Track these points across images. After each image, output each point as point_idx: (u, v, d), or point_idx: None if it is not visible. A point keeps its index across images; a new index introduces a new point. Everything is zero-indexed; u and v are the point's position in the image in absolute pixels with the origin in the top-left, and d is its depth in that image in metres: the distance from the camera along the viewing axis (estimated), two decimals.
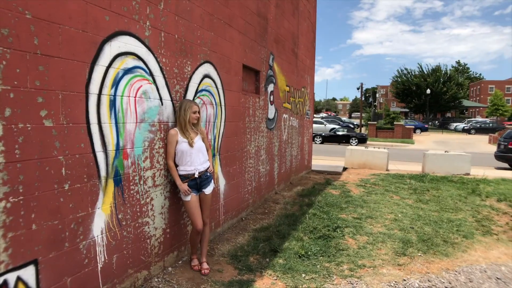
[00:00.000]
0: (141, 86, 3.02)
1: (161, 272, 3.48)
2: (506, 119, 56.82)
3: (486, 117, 59.38)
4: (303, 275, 3.61)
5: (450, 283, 3.64)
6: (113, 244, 2.81)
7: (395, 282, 3.59)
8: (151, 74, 3.14)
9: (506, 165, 14.11)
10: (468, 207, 6.62)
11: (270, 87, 6.37)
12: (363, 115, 38.80)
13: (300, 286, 3.37)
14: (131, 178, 2.97)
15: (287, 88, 7.47)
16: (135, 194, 3.03)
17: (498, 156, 14.25)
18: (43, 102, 2.17)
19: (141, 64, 3.01)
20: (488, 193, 7.71)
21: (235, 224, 5.12)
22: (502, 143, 14.23)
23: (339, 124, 32.83)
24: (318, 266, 3.83)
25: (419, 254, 4.32)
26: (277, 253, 4.09)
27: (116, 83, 2.74)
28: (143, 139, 3.09)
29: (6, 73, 1.95)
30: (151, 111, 3.17)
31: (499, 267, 4.11)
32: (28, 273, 2.12)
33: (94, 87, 2.54)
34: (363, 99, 44.79)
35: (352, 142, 23.60)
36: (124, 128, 2.84)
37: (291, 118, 7.86)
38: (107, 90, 2.66)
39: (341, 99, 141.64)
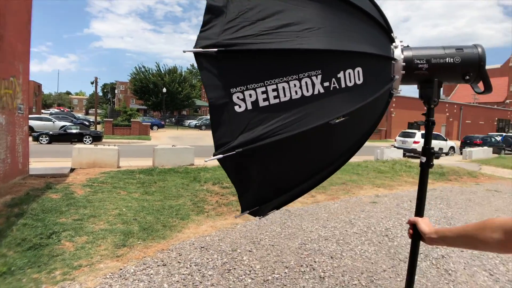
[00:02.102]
0: None
1: None
2: None
3: None
4: None
5: (162, 261, 4.04)
6: None
7: (111, 273, 3.66)
8: None
9: None
10: (189, 192, 7.53)
11: None
12: (100, 111, 37.29)
13: None
14: None
15: None
16: None
17: None
18: None
19: None
20: (206, 179, 9.03)
21: None
22: None
23: (72, 121, 30.33)
24: (24, 280, 3.40)
25: (139, 242, 4.57)
26: None
27: None
28: None
29: None
30: None
31: (205, 238, 4.89)
32: None
33: None
34: (101, 94, 43.13)
35: (86, 140, 22.27)
36: None
37: None
38: None
39: (77, 94, 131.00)
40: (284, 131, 0.98)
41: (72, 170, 9.54)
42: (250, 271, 3.92)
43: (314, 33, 1.01)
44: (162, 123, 45.43)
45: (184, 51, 0.96)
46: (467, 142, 30.00)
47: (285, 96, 0.99)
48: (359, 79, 1.05)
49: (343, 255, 4.60)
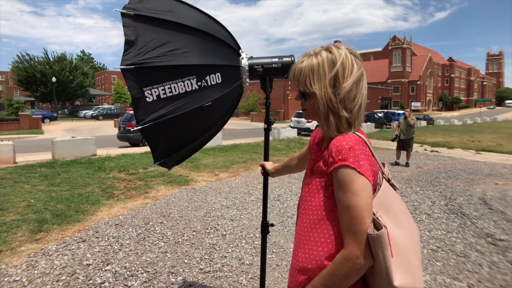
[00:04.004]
0: None
1: None
2: (129, 105, 65.40)
3: (112, 104, 65.63)
4: None
5: (81, 238, 4.51)
6: None
7: (34, 253, 4.04)
8: None
9: (127, 143, 16.87)
10: (96, 181, 7.78)
11: None
12: None
13: None
14: None
15: None
16: None
17: (120, 137, 16.80)
18: None
19: None
20: (112, 167, 9.27)
21: None
22: (122, 125, 16.86)
23: None
24: None
25: (55, 227, 4.91)
26: None
27: None
28: None
29: None
30: None
31: (118, 217, 5.41)
32: None
33: None
34: None
35: None
36: None
37: None
38: None
39: None
40: (177, 111, 1.76)
41: None
42: (162, 237, 4.63)
43: (190, 54, 1.80)
44: (54, 115, 41.89)
45: (114, 68, 1.68)
46: None
47: (175, 91, 1.77)
48: (219, 80, 1.86)
49: (242, 217, 5.55)
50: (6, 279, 3.44)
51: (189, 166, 9.96)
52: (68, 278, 3.46)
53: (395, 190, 1.29)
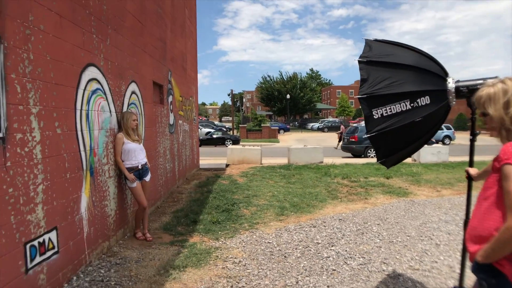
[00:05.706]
0: (100, 102, 4.08)
1: (116, 243, 4.53)
2: (351, 118, 68.06)
3: (336, 117, 69.81)
4: (220, 232, 5.11)
5: (312, 224, 5.62)
6: (91, 219, 3.82)
7: (279, 228, 5.39)
8: (105, 93, 4.20)
9: (349, 154, 18.02)
10: (323, 184, 9.04)
11: (170, 98, 7.63)
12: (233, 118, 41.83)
13: (220, 237, 4.87)
14: (98, 171, 4.00)
15: (180, 98, 8.80)
16: (100, 183, 4.06)
17: (344, 148, 18.11)
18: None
19: (99, 86, 4.06)
20: (336, 174, 10.42)
21: (154, 211, 6.27)
22: (346, 137, 18.13)
23: (213, 128, 34.96)
24: (228, 227, 5.38)
25: (292, 214, 6.25)
26: (196, 223, 5.48)
27: (88, 101, 3.77)
28: (102, 142, 4.13)
29: (39, 97, 2.95)
30: (106, 120, 4.23)
31: (341, 214, 6.31)
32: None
33: (78, 104, 3.56)
34: (230, 103, 48.25)
35: (227, 143, 25.82)
36: (93, 134, 3.88)
37: (184, 123, 9.20)
38: (85, 106, 3.69)
39: (211, 104, 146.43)
40: (394, 125, 2.40)
41: (227, 165, 12.04)
42: (378, 235, 5.20)
43: (404, 84, 2.41)
44: (288, 126, 48.25)
45: (355, 96, 2.49)
46: None
47: (394, 111, 2.41)
48: (428, 101, 2.39)
49: (461, 233, 5.46)
50: (263, 240, 4.85)
51: (410, 180, 10.01)
52: (303, 248, 4.56)
53: None
